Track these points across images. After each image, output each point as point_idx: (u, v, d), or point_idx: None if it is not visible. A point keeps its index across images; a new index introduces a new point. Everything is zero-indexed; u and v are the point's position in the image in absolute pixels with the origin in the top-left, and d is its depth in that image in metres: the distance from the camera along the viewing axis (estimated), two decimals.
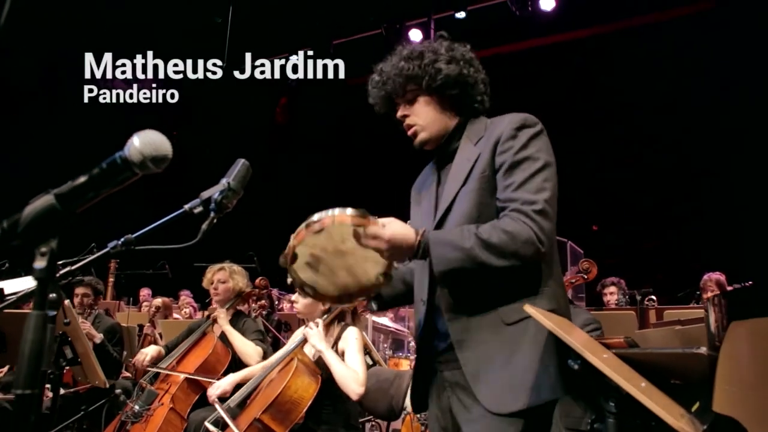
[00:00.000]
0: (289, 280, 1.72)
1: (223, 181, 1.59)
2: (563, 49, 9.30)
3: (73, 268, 1.48)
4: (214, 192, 1.58)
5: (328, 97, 10.50)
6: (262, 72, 11.19)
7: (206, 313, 3.81)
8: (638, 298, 5.29)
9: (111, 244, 1.53)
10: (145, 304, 7.79)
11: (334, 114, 10.78)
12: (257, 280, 4.42)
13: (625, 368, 1.49)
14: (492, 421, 1.50)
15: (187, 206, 1.58)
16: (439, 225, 1.66)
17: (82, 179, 0.87)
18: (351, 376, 2.61)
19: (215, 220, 1.59)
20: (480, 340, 1.55)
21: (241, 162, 1.65)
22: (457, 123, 1.75)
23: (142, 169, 0.91)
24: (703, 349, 1.32)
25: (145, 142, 0.90)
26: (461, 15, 9.04)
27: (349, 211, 1.54)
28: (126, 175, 0.90)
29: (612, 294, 5.83)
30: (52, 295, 1.49)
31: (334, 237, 1.59)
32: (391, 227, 1.55)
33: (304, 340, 2.87)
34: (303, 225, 1.57)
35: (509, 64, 9.39)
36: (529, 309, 1.39)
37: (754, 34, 7.64)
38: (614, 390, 1.35)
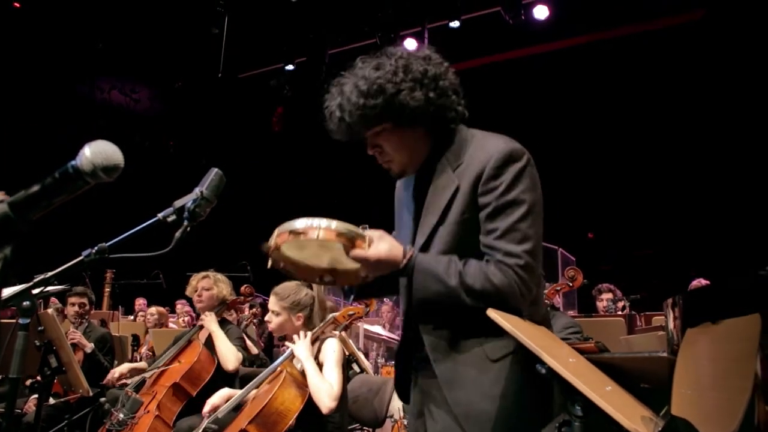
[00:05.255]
0: (269, 263, 1.69)
1: (197, 190, 1.60)
2: (556, 58, 9.36)
3: (47, 276, 1.50)
4: (187, 201, 1.60)
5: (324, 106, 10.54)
6: (258, 81, 11.35)
7: (198, 322, 3.82)
8: (627, 304, 5.30)
9: (85, 253, 1.55)
10: (140, 313, 7.81)
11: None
12: (243, 288, 4.43)
13: (592, 372, 1.50)
14: None
15: (160, 215, 1.60)
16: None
17: (36, 188, 0.89)
18: (325, 389, 2.60)
19: (188, 229, 1.60)
20: (469, 379, 1.53)
21: (214, 171, 1.66)
22: (433, 146, 1.65)
23: (94, 179, 0.93)
24: (664, 353, 1.34)
25: (96, 152, 0.92)
26: (455, 24, 9.10)
27: (335, 226, 1.48)
28: (78, 185, 0.92)
29: (609, 301, 5.84)
30: (26, 303, 1.52)
31: (319, 239, 1.52)
32: (378, 248, 1.49)
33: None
34: (286, 229, 1.51)
35: (502, 72, 9.45)
36: (491, 313, 1.40)
37: (742, 42, 7.72)
38: (580, 394, 1.36)
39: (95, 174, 0.91)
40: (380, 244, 1.50)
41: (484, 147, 1.57)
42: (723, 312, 1.11)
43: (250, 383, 2.87)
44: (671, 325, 1.31)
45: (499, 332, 1.43)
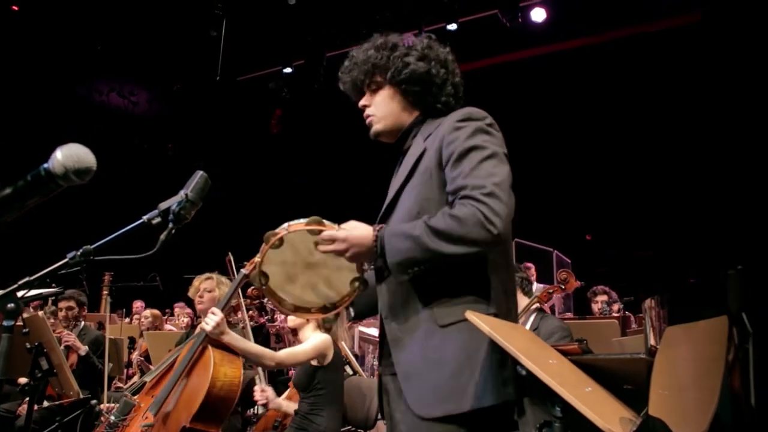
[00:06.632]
0: (266, 301, 1.81)
1: (182, 193, 1.62)
2: (554, 60, 9.37)
3: (31, 279, 1.51)
4: (172, 203, 1.61)
5: (323, 108, 10.57)
6: (257, 84, 11.37)
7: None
8: (621, 306, 5.31)
9: (70, 255, 1.56)
10: (136, 316, 7.82)
11: (328, 125, 10.86)
12: (249, 290, 4.41)
13: (573, 374, 1.51)
14: (415, 424, 1.50)
15: (145, 217, 1.62)
16: (382, 220, 1.67)
17: (8, 191, 0.90)
18: (261, 354, 2.65)
19: (173, 231, 1.62)
20: (414, 341, 1.54)
21: (199, 174, 1.67)
22: (415, 119, 1.75)
23: (66, 181, 0.94)
24: (643, 354, 1.35)
25: (68, 155, 0.93)
26: (453, 27, 9.11)
27: (303, 219, 1.59)
28: (50, 187, 0.93)
29: (604, 303, 5.83)
30: (10, 305, 1.53)
31: (299, 250, 1.62)
32: (348, 229, 1.56)
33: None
34: (263, 242, 1.62)
35: (500, 75, 9.46)
36: (469, 315, 1.40)
37: (741, 42, 7.73)
38: (559, 395, 1.36)
39: (67, 177, 0.92)
40: (350, 225, 1.58)
41: (451, 115, 1.66)
42: (696, 312, 1.12)
43: (174, 372, 2.70)
44: (648, 326, 1.31)
45: (453, 299, 1.51)
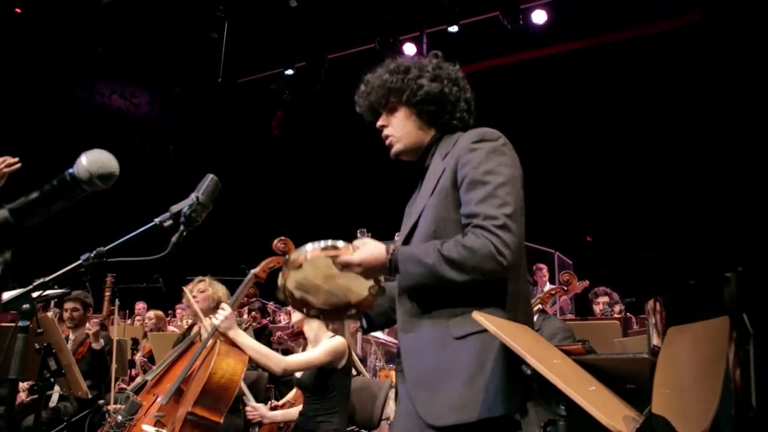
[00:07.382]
0: (294, 314, 1.88)
1: (193, 196, 1.65)
2: (555, 62, 9.40)
3: (46, 280, 1.54)
4: (183, 206, 1.64)
5: (324, 109, 10.61)
6: (258, 86, 11.41)
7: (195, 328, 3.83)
8: (623, 307, 5.33)
9: (84, 257, 1.59)
10: (139, 317, 7.85)
11: (329, 127, 10.88)
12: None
13: (577, 373, 1.54)
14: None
15: (157, 220, 1.64)
16: (407, 240, 1.72)
17: (34, 195, 0.94)
18: (269, 355, 2.73)
19: (185, 234, 1.65)
20: (427, 351, 1.59)
21: (209, 177, 1.70)
22: (432, 138, 1.81)
23: (91, 186, 0.97)
24: (646, 354, 1.38)
25: (92, 161, 0.96)
26: (454, 29, 9.14)
27: (320, 245, 1.64)
28: (75, 192, 0.96)
29: (605, 304, 5.85)
30: (25, 306, 1.56)
31: (319, 267, 1.69)
32: (362, 251, 1.62)
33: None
34: (284, 265, 1.69)
35: (501, 76, 9.49)
36: (476, 315, 1.44)
37: (740, 42, 7.77)
38: (563, 393, 1.39)
39: (91, 182, 0.95)
40: (363, 248, 1.64)
41: (466, 135, 1.73)
42: (697, 313, 1.14)
43: (186, 364, 2.87)
44: (651, 327, 1.34)
45: (469, 312, 1.52)
